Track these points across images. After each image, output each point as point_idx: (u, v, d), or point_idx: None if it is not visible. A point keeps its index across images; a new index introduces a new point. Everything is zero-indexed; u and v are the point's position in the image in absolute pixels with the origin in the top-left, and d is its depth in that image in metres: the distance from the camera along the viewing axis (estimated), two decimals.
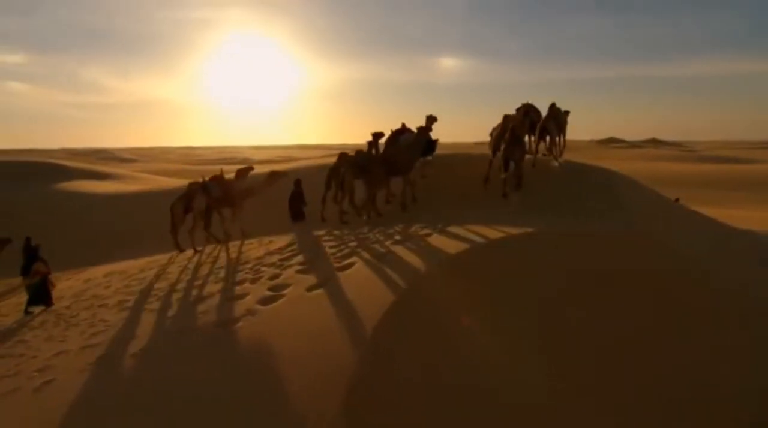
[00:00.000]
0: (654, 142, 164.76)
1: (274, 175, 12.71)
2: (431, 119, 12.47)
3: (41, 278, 10.28)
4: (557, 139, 13.54)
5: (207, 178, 12.01)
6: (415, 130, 12.25)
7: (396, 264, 5.82)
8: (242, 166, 13.19)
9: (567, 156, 13.82)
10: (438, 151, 13.65)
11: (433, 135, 12.85)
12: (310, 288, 5.77)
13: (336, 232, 8.84)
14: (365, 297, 4.98)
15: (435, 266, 5.54)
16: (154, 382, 4.87)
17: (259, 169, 15.68)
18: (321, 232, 9.02)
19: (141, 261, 11.53)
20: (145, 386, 4.85)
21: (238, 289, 6.56)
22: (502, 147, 11.66)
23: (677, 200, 20.27)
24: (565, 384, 4.52)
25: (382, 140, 12.13)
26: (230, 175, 12.46)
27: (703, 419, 4.95)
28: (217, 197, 11.70)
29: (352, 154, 11.97)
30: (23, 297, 10.54)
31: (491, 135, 13.01)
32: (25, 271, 10.81)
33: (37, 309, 9.75)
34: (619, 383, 4.76)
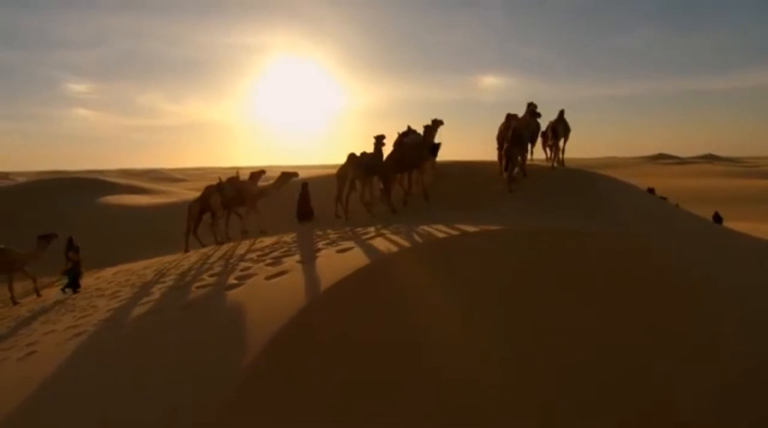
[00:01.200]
0: (709, 158, 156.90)
1: (284, 176, 13.54)
2: (437, 122, 13.16)
3: (74, 264, 11.75)
4: (561, 143, 14.13)
5: (224, 180, 12.92)
6: (422, 130, 12.94)
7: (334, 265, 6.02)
8: (255, 170, 14.08)
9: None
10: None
11: (438, 138, 13.45)
12: (267, 276, 6.21)
13: (329, 231, 9.24)
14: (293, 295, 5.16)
15: (374, 264, 5.73)
16: (117, 351, 5.44)
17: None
18: (319, 232, 9.41)
19: (147, 261, 12.46)
20: (108, 353, 5.44)
21: (209, 280, 7.10)
22: (504, 146, 12.24)
23: (677, 206, 20.36)
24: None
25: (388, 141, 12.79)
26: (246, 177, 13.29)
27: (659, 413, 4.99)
28: (231, 196, 12.57)
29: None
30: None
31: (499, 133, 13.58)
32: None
33: (69, 292, 11.05)
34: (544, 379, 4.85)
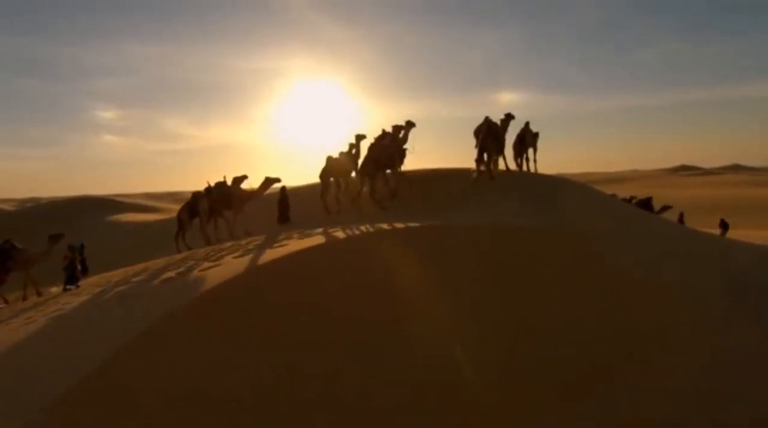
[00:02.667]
0: (735, 168, 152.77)
1: (268, 181, 14.18)
2: (409, 124, 13.66)
3: (69, 261, 12.22)
4: (531, 154, 15.08)
5: (212, 184, 13.61)
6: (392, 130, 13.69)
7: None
8: (238, 175, 14.78)
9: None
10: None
11: (411, 142, 14.02)
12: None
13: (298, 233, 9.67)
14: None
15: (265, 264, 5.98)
16: (66, 324, 5.99)
17: None
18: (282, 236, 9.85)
19: (136, 267, 13.08)
20: (61, 323, 5.98)
21: (164, 275, 7.57)
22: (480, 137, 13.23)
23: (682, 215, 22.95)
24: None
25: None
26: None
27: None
28: (217, 199, 13.21)
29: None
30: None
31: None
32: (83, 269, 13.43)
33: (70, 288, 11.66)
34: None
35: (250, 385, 4.23)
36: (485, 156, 13.11)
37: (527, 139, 14.81)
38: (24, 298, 11.86)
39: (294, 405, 4.23)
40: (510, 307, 6.03)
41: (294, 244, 6.80)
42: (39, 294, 11.86)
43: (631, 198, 23.80)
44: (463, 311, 5.74)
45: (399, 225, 7.18)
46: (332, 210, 13.27)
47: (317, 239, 6.72)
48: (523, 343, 5.79)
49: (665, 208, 24.56)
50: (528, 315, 6.04)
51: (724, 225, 26.66)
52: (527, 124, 15.05)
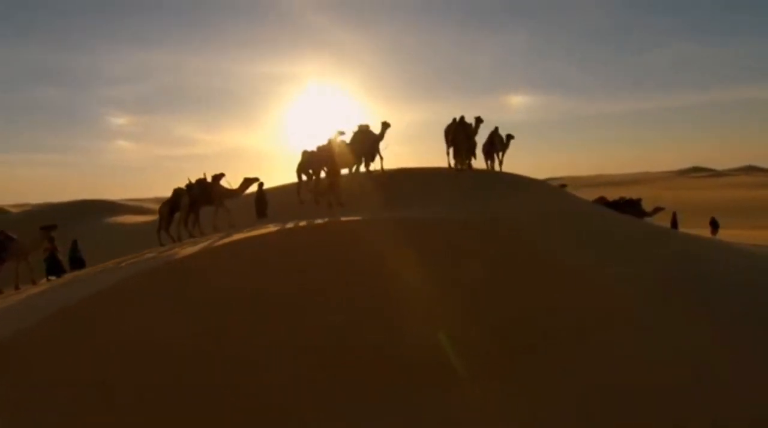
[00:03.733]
0: (748, 170, 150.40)
1: (247, 181, 14.76)
2: (384, 125, 14.65)
3: (50, 253, 12.68)
4: (499, 155, 16.23)
5: (193, 181, 14.23)
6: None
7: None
8: (216, 173, 15.33)
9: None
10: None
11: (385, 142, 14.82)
12: None
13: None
14: None
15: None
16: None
17: None
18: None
19: (117, 259, 13.73)
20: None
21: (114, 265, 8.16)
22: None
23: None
24: None
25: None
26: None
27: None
28: (198, 194, 13.81)
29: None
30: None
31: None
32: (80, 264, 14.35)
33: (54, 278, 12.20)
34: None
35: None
36: (454, 151, 14.47)
37: (496, 142, 15.91)
38: (16, 287, 12.31)
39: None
40: (436, 290, 6.45)
41: (235, 237, 7.31)
42: (34, 283, 12.34)
43: (620, 199, 24.03)
44: (394, 293, 6.24)
45: (319, 221, 7.75)
46: (311, 199, 13.65)
47: (254, 233, 7.24)
48: (440, 322, 6.15)
49: (657, 210, 24.66)
50: (450, 298, 6.43)
51: (715, 225, 26.65)
52: (496, 128, 16.13)
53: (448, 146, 14.73)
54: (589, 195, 28.66)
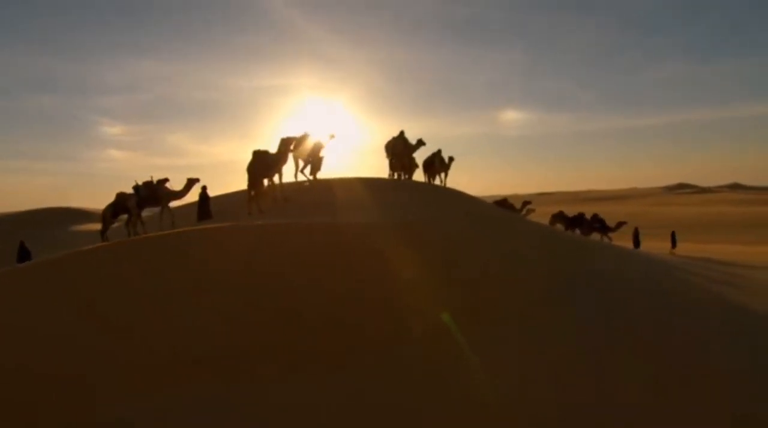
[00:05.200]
0: (734, 187, 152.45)
1: (190, 181, 15.04)
2: (328, 137, 15.02)
3: None
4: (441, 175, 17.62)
5: (140, 183, 14.55)
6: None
7: None
8: (161, 178, 15.58)
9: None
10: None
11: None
12: None
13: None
14: None
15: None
16: None
17: None
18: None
19: None
20: None
21: None
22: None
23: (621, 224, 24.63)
24: None
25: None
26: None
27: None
28: (145, 196, 14.14)
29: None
30: None
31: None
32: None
33: None
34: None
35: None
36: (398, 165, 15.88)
37: (436, 164, 17.20)
38: None
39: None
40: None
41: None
42: None
43: (580, 214, 25.28)
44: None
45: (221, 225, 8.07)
46: (253, 211, 13.75)
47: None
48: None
49: (620, 225, 25.46)
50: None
51: (673, 239, 27.16)
52: (439, 150, 17.52)
53: (389, 159, 15.94)
54: (575, 210, 29.56)
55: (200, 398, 5.17)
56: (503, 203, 26.03)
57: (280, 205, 13.02)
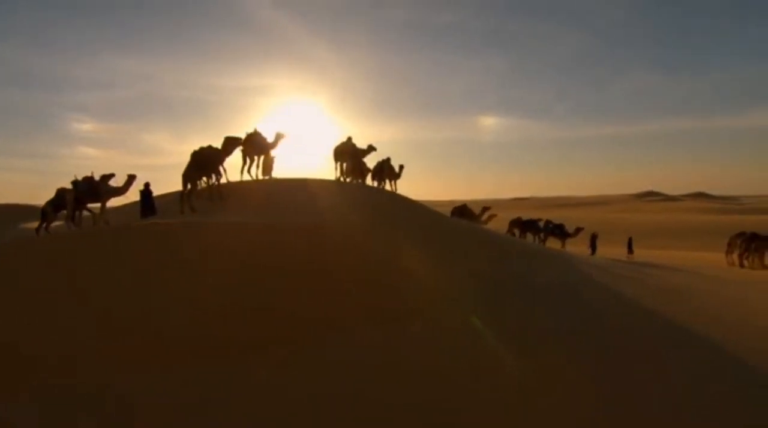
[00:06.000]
0: (700, 196, 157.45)
1: (130, 178, 14.65)
2: (279, 135, 15.11)
3: None
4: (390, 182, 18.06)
5: (80, 178, 14.09)
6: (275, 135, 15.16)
7: None
8: (105, 173, 15.10)
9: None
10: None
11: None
12: None
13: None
14: None
15: None
16: None
17: None
18: None
19: None
20: None
21: None
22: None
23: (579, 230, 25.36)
24: None
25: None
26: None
27: None
28: (84, 191, 13.69)
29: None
30: None
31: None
32: None
33: None
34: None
35: None
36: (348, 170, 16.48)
37: (384, 171, 17.67)
38: None
39: None
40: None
41: None
42: None
43: (532, 220, 26.20)
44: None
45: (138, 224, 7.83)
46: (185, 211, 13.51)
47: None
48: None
49: (579, 230, 25.96)
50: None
51: (630, 245, 27.76)
52: (388, 158, 17.96)
53: (337, 162, 16.31)
54: (546, 215, 30.07)
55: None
56: (462, 209, 26.40)
57: (216, 204, 12.78)
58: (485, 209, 26.36)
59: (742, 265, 22.01)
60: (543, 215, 30.82)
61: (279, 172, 15.95)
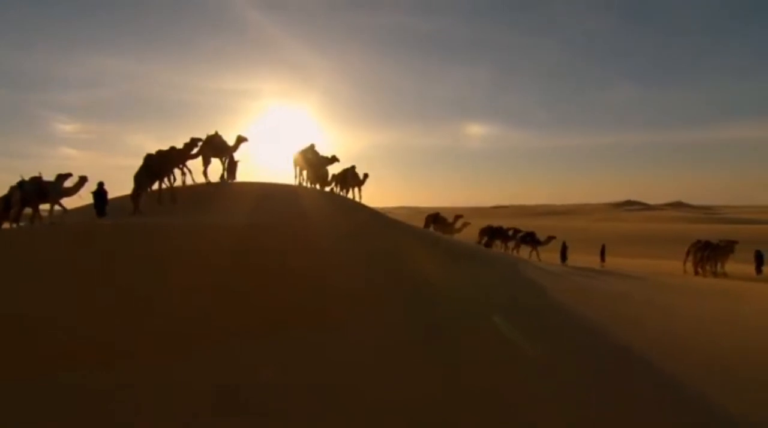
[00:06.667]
0: (678, 205, 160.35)
1: (81, 179, 14.27)
2: (240, 138, 15.05)
3: None
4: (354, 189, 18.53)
5: (26, 178, 13.64)
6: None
7: None
8: (62, 173, 14.67)
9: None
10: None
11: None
12: None
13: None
14: None
15: None
16: None
17: None
18: None
19: None
20: None
21: None
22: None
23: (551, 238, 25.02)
24: None
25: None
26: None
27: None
28: (31, 192, 13.25)
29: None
30: None
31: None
32: None
33: None
34: None
35: None
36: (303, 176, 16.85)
37: (348, 177, 18.14)
38: None
39: None
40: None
41: None
42: None
43: (500, 228, 26.61)
44: None
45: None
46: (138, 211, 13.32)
47: None
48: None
49: (550, 238, 26.13)
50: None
51: (602, 253, 28.00)
52: (353, 166, 18.39)
53: (297, 168, 16.64)
54: (529, 223, 30.52)
55: None
56: (435, 217, 26.44)
57: (166, 205, 12.55)
58: (458, 217, 26.56)
59: (696, 273, 22.55)
60: (524, 223, 31.03)
61: (258, 176, 16.59)
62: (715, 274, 22.56)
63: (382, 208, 18.97)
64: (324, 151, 17.25)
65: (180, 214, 10.55)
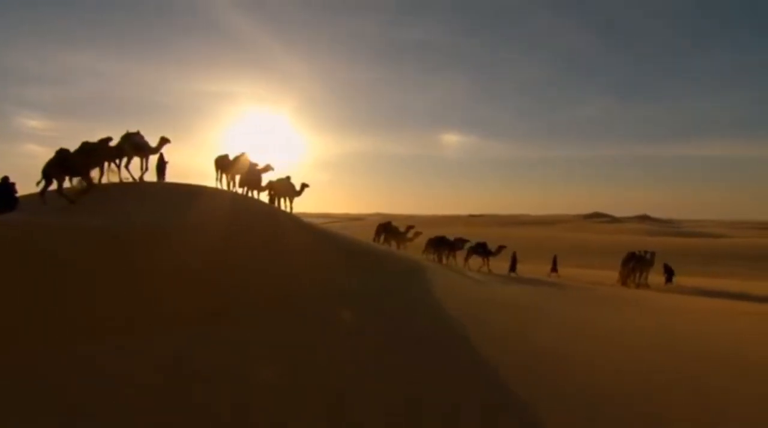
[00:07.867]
0: (642, 218, 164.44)
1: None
2: (163, 139, 15.07)
3: None
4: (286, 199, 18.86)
5: None
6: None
7: None
8: None
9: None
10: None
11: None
12: None
13: None
14: None
15: None
16: None
17: None
18: None
19: None
20: None
21: None
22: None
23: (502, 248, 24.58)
24: None
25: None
26: None
27: None
28: None
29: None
30: None
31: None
32: None
33: None
34: None
35: None
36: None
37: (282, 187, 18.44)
38: None
39: None
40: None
41: None
42: None
43: (441, 237, 26.53)
44: None
45: None
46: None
47: None
48: None
49: (501, 248, 26.29)
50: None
51: (554, 264, 28.32)
52: (288, 177, 18.67)
53: (218, 173, 17.05)
54: (498, 232, 30.69)
55: None
56: (387, 226, 26.40)
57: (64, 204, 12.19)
58: (410, 227, 26.74)
59: (623, 283, 23.39)
60: (493, 233, 31.23)
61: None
62: (638, 285, 23.28)
63: (357, 215, 19.60)
64: (306, 155, 17.99)
65: (62, 214, 10.56)
